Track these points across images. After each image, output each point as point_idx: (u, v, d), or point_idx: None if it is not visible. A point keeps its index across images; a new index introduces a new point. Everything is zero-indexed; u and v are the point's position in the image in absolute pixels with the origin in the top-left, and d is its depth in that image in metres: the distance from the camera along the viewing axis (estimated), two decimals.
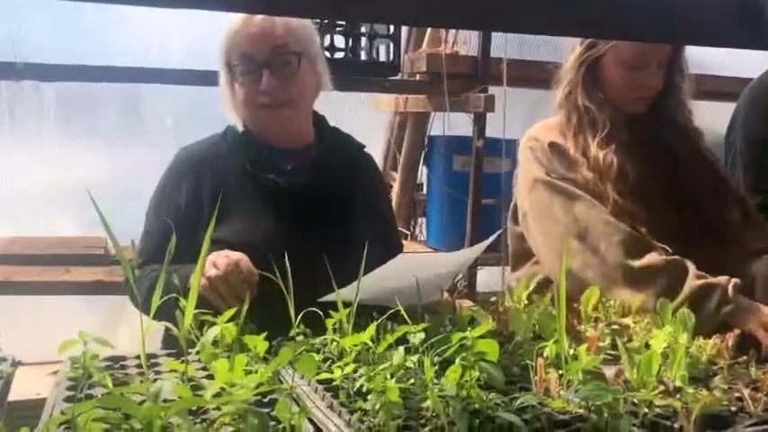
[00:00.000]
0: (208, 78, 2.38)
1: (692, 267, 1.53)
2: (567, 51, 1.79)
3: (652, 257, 1.54)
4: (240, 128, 1.60)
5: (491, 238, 1.42)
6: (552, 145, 1.72)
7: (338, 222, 1.53)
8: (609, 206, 1.62)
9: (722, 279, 1.51)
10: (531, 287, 1.44)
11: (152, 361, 1.17)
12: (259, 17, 1.52)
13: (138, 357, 1.18)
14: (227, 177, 1.53)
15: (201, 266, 0.97)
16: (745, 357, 1.14)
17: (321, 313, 1.17)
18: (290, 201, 1.53)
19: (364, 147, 1.75)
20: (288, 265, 1.10)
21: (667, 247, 1.59)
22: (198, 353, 1.11)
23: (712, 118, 2.23)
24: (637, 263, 1.52)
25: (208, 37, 2.82)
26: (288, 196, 1.53)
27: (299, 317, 1.15)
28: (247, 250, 1.31)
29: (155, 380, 1.06)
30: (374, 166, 1.81)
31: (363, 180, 1.68)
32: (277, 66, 1.53)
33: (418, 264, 1.34)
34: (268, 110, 1.55)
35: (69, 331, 1.14)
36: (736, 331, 1.18)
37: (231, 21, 1.54)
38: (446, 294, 1.46)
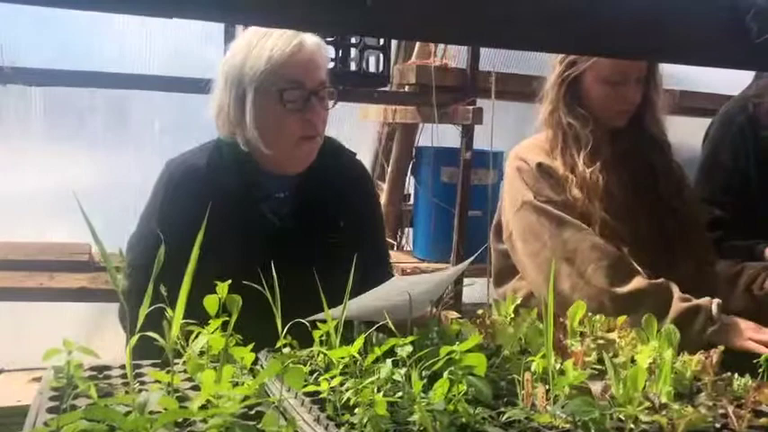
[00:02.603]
0: (193, 85, 2.39)
1: (676, 290, 1.58)
2: (549, 69, 1.82)
3: (637, 282, 1.59)
4: (244, 147, 1.54)
5: (475, 255, 1.46)
6: (540, 166, 1.75)
7: (325, 251, 1.50)
8: (597, 225, 1.67)
9: (705, 301, 1.57)
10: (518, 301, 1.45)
11: (137, 371, 1.16)
12: (309, 46, 1.50)
13: (122, 367, 1.17)
14: (220, 200, 1.42)
15: (188, 284, 0.96)
16: (728, 374, 1.15)
17: (308, 325, 1.16)
18: (278, 229, 1.52)
19: (355, 155, 1.74)
20: (275, 288, 1.09)
21: (647, 270, 1.64)
22: (184, 363, 1.10)
23: (694, 134, 2.27)
24: (623, 289, 1.55)
25: (193, 44, 2.85)
26: (276, 224, 1.53)
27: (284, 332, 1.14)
28: (236, 277, 1.18)
29: (140, 390, 1.06)
30: (365, 183, 1.76)
31: (353, 203, 1.64)
32: (321, 98, 1.53)
33: (407, 284, 1.34)
34: (304, 140, 1.53)
35: (51, 338, 1.12)
36: (721, 348, 1.20)
37: (272, 43, 1.49)
38: (432, 309, 1.46)
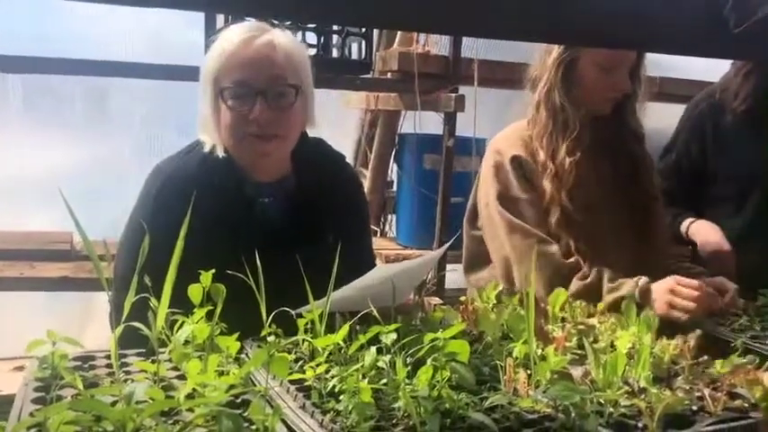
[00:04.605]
0: (173, 72, 2.37)
1: (605, 286, 1.66)
2: (538, 52, 1.83)
3: (572, 287, 1.66)
4: (221, 153, 1.51)
5: (452, 239, 1.54)
6: (514, 160, 1.79)
7: (311, 254, 1.43)
8: (557, 217, 1.73)
9: (629, 290, 1.63)
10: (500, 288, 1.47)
11: (122, 360, 1.16)
12: (259, 42, 1.45)
13: (107, 357, 1.17)
14: (211, 207, 1.40)
15: (168, 292, 0.96)
16: (705, 357, 1.18)
17: (294, 315, 1.17)
18: (265, 233, 1.50)
19: (344, 157, 1.72)
20: (262, 291, 1.09)
21: (609, 259, 1.72)
22: (170, 352, 1.10)
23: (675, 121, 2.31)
24: None
25: (174, 28, 2.82)
26: (264, 228, 1.51)
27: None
28: (224, 281, 1.17)
29: (125, 380, 1.06)
30: (353, 186, 1.72)
31: (340, 207, 1.62)
32: (273, 96, 1.45)
33: (389, 272, 1.34)
34: (253, 140, 1.47)
35: (32, 327, 1.12)
36: (698, 332, 1.22)
37: (225, 41, 1.46)
38: (414, 296, 1.47)
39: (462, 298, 1.45)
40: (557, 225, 1.74)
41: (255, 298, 1.12)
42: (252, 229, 1.50)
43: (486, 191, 1.82)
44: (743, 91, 2.08)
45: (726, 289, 1.70)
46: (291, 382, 1.04)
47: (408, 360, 1.04)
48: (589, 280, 1.68)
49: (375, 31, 2.89)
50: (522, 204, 1.76)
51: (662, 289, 1.63)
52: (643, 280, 1.66)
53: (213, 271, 1.13)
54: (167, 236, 1.05)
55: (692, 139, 2.17)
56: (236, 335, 1.11)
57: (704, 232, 2.03)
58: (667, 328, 1.27)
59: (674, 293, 1.61)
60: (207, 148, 1.53)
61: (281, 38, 1.49)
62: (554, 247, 1.71)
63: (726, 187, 2.11)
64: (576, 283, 1.67)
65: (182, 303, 1.09)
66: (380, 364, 1.02)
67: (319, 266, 1.21)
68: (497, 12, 0.97)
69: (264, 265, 1.13)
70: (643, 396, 1.00)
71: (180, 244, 0.96)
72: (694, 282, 1.63)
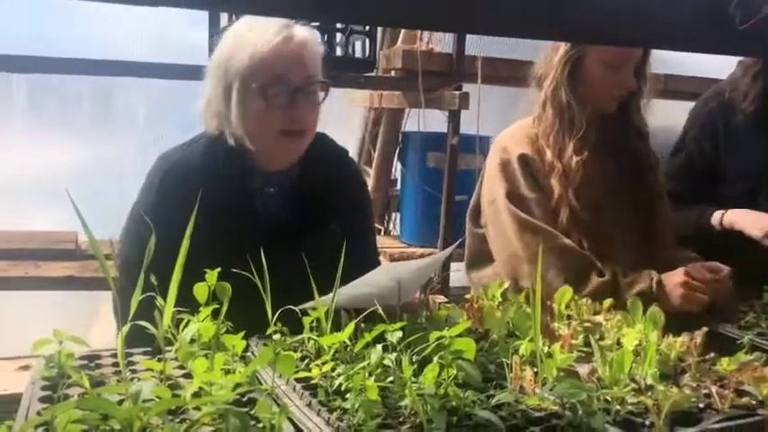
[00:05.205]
0: (177, 71, 2.37)
1: (621, 283, 1.67)
2: (544, 50, 1.83)
3: (592, 284, 1.67)
4: (231, 142, 1.51)
5: (460, 240, 1.55)
6: (521, 159, 1.78)
7: (314, 247, 1.48)
8: (566, 217, 1.73)
9: (646, 285, 1.66)
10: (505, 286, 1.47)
11: (128, 359, 1.16)
12: (296, 40, 1.47)
13: (113, 355, 1.17)
14: (213, 196, 1.37)
15: (175, 289, 0.96)
16: (712, 354, 1.18)
17: (299, 312, 1.17)
18: (269, 225, 1.51)
19: (347, 152, 1.73)
20: (266, 282, 1.10)
21: (616, 257, 1.73)
22: (176, 351, 1.10)
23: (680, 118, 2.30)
24: (580, 293, 1.58)
25: (177, 27, 2.82)
26: (268, 219, 1.52)
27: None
28: (227, 270, 1.17)
29: (131, 379, 1.06)
30: (356, 181, 1.74)
31: (343, 201, 1.63)
32: (307, 93, 1.49)
33: (395, 271, 1.34)
34: (287, 136, 1.49)
35: (37, 326, 1.13)
36: (704, 329, 1.22)
37: (249, 39, 1.46)
38: (419, 294, 1.47)
39: (467, 296, 1.45)
40: (567, 224, 1.73)
41: (260, 290, 1.12)
42: (256, 218, 1.51)
43: (491, 188, 1.81)
44: (752, 92, 2.08)
45: (718, 270, 1.73)
46: (297, 380, 1.05)
47: (414, 358, 1.04)
48: (607, 277, 1.69)
49: (379, 29, 2.88)
50: (530, 203, 1.75)
51: (675, 283, 1.66)
52: (655, 273, 1.68)
53: (218, 266, 1.13)
54: (171, 223, 1.04)
55: (704, 137, 2.15)
56: (241, 333, 1.11)
57: (744, 217, 1.99)
58: (673, 325, 1.27)
59: (688, 287, 1.65)
60: (217, 138, 1.53)
61: (306, 34, 1.51)
62: (570, 241, 1.71)
63: (735, 187, 2.10)
64: (595, 280, 1.67)
65: (186, 295, 1.09)
66: (386, 362, 1.02)
67: (323, 258, 1.22)
68: (498, 10, 0.96)
69: (268, 254, 1.14)
70: (650, 393, 1.00)
71: (186, 243, 0.95)
72: (703, 271, 1.69)
